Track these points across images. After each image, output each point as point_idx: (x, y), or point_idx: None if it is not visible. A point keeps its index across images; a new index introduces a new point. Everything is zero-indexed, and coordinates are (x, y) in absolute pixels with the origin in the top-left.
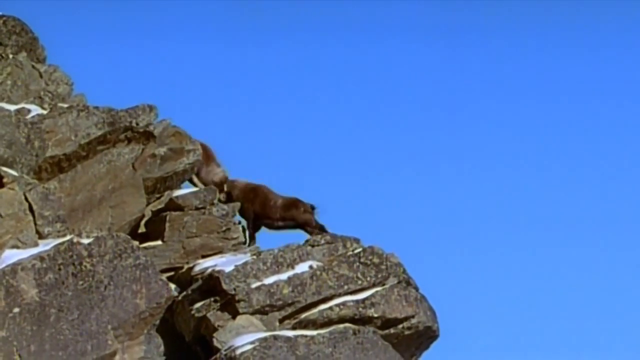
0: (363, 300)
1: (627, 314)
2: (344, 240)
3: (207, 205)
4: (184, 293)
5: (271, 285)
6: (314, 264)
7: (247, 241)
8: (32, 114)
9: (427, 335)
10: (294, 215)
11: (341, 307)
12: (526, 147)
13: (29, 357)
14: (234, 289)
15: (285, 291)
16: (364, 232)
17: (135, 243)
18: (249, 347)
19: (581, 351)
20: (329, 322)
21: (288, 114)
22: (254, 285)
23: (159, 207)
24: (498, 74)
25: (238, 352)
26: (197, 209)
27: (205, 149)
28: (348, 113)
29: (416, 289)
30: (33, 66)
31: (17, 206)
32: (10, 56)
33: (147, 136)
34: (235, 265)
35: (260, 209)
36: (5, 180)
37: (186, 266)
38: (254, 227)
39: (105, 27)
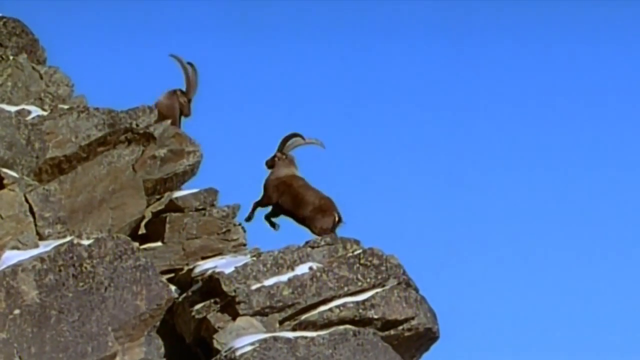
0: (363, 302)
1: (627, 314)
2: (344, 241)
3: (207, 207)
4: (184, 294)
5: (271, 286)
6: (314, 265)
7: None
8: (32, 115)
9: (427, 337)
10: (315, 222)
11: (341, 308)
12: (527, 148)
13: (29, 358)
14: (234, 291)
15: (285, 293)
16: (364, 233)
17: (136, 244)
18: (249, 348)
19: (581, 351)
20: (329, 324)
21: (289, 114)
22: (254, 287)
23: (159, 208)
24: (500, 74)
25: (238, 353)
26: (197, 210)
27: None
28: (347, 113)
29: (416, 290)
30: (33, 67)
31: (17, 207)
32: (11, 57)
33: (148, 138)
34: (235, 267)
35: (290, 206)
36: (5, 181)
37: (186, 268)
38: (272, 214)
39: (105, 28)
